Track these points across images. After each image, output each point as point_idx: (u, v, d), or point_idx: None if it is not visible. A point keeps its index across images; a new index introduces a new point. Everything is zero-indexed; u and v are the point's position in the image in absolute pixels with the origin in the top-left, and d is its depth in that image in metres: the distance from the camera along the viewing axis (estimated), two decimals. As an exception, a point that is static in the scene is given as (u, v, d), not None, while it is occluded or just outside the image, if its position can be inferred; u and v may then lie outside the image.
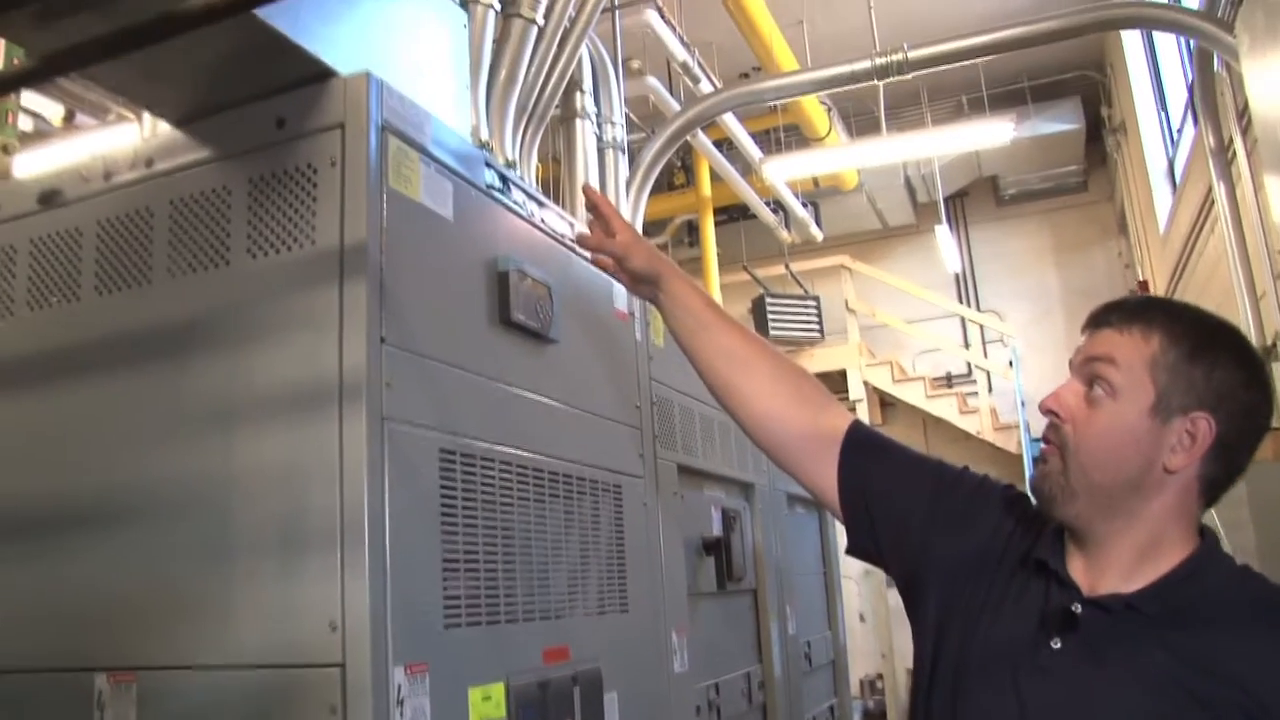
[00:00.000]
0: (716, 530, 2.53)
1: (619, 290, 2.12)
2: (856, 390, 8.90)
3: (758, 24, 6.28)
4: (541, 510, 1.67)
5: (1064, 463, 1.20)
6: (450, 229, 1.56)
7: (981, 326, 9.97)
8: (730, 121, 6.90)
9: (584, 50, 2.83)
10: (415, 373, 1.41)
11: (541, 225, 1.84)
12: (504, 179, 1.75)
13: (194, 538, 1.39)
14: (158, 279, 1.52)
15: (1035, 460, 1.27)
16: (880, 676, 8.32)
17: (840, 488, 1.43)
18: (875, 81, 4.52)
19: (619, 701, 1.79)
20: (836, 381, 8.82)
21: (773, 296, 9.17)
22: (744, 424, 1.54)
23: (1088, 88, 9.22)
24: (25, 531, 1.56)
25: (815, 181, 8.83)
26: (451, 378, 1.50)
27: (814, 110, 7.51)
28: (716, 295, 7.75)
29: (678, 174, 9.14)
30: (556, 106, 2.66)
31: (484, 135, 2.09)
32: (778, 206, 8.66)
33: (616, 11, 4.46)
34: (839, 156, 7.65)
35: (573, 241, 1.92)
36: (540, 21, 2.35)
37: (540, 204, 1.87)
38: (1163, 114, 7.41)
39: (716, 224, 8.64)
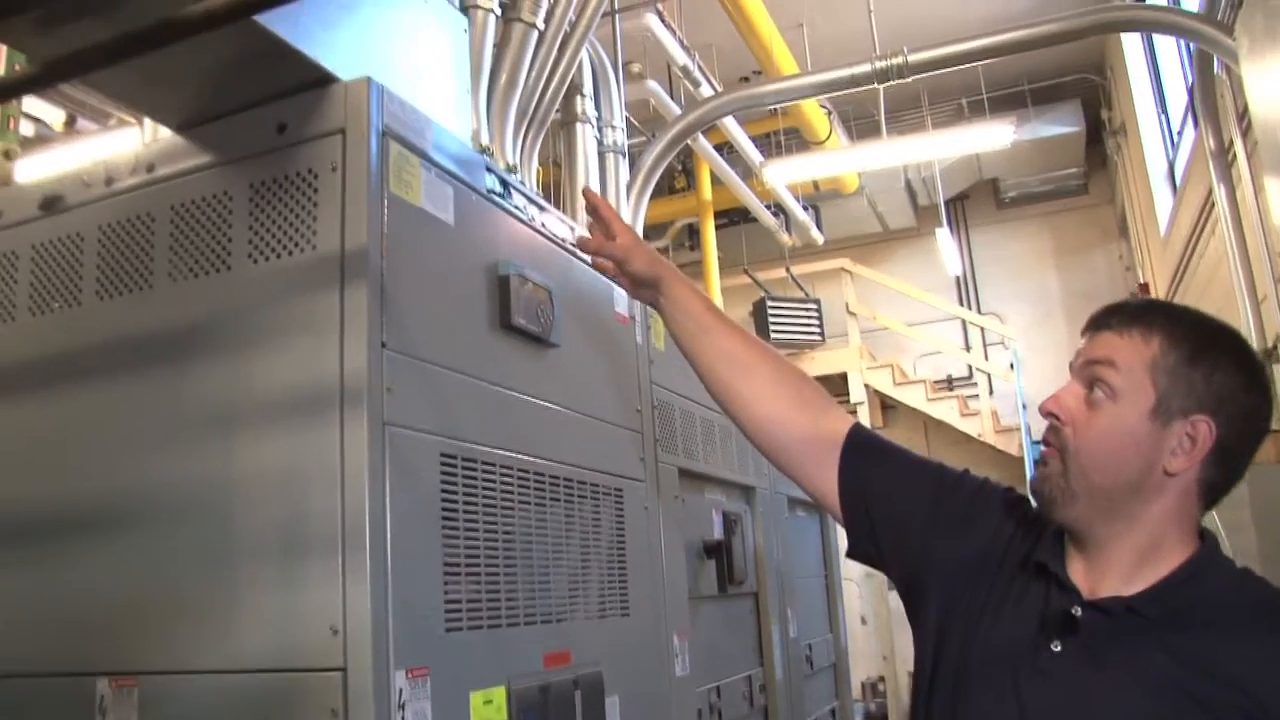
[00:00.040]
0: (717, 533, 2.53)
1: (619, 294, 2.12)
2: (857, 393, 8.90)
3: (758, 27, 6.28)
4: (542, 514, 1.67)
5: (1064, 465, 1.20)
6: (451, 234, 1.56)
7: (982, 329, 9.98)
8: (731, 125, 6.91)
9: (584, 54, 2.84)
10: (416, 377, 1.41)
11: (542, 229, 1.85)
12: (504, 183, 1.75)
13: (195, 542, 1.39)
14: (159, 284, 1.52)
15: (1036, 463, 1.27)
16: (882, 679, 8.32)
17: (841, 491, 1.43)
18: (875, 85, 4.52)
19: (620, 705, 1.80)
20: (837, 384, 8.82)
21: (773, 300, 9.18)
22: (745, 427, 1.54)
23: (1088, 90, 9.22)
24: (27, 536, 1.56)
25: (816, 185, 8.83)
26: (452, 382, 1.50)
27: (814, 114, 7.51)
28: (717, 299, 7.76)
29: (678, 178, 9.15)
30: (557, 111, 2.66)
31: (484, 140, 2.09)
32: (778, 210, 8.67)
33: (617, 15, 4.46)
34: (839, 160, 7.66)
35: (573, 245, 1.92)
36: (540, 26, 2.35)
37: (541, 208, 1.87)
38: (1163, 116, 7.41)
39: (717, 227, 8.65)
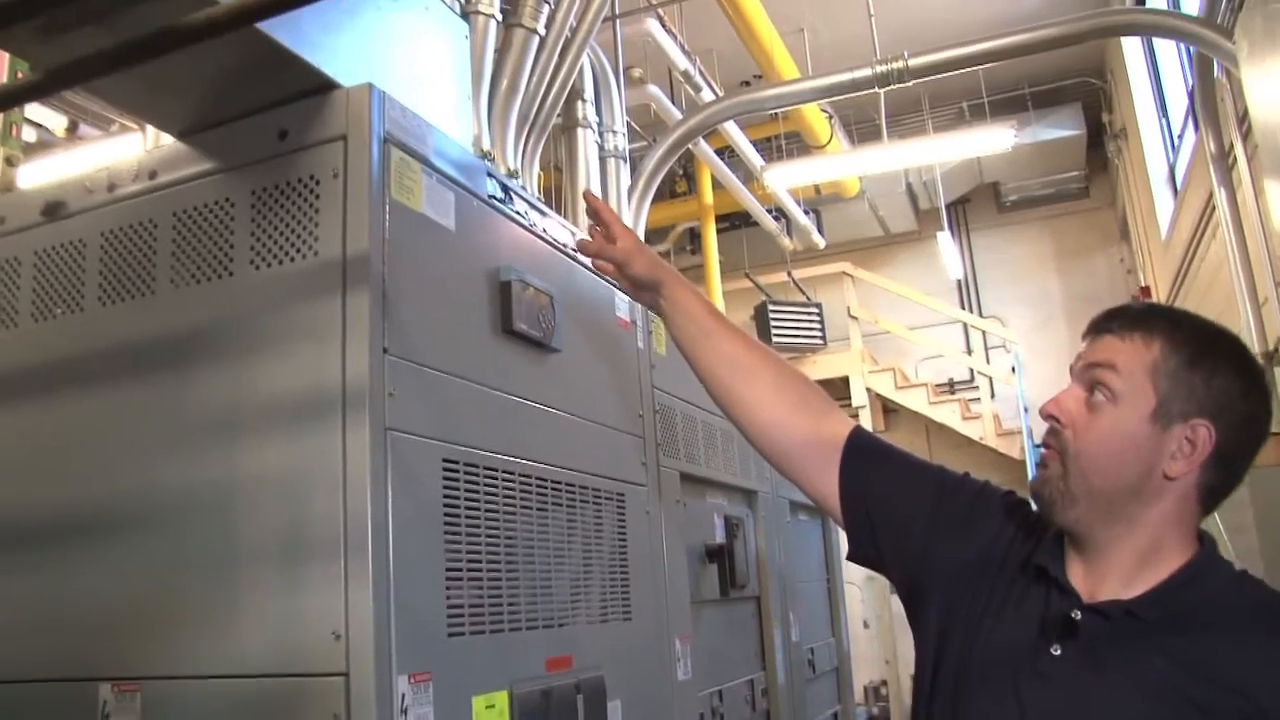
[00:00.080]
0: (719, 538, 2.53)
1: (621, 299, 2.12)
2: (859, 397, 8.90)
3: (758, 32, 6.29)
4: (544, 519, 1.67)
5: (1064, 467, 1.20)
6: (452, 239, 1.56)
7: (984, 332, 9.98)
8: (732, 129, 6.91)
9: (585, 59, 2.84)
10: (418, 382, 1.41)
11: (544, 234, 1.85)
12: (506, 189, 1.76)
13: (198, 547, 1.39)
14: (161, 290, 1.53)
15: (1036, 465, 1.27)
16: (884, 683, 8.31)
17: (841, 494, 1.43)
18: (876, 89, 4.52)
19: (622, 709, 1.80)
20: (839, 388, 8.82)
21: (775, 304, 9.18)
22: (746, 431, 1.54)
23: (1088, 94, 9.22)
24: (29, 541, 1.56)
25: (817, 189, 8.83)
26: (454, 387, 1.51)
27: (815, 118, 7.52)
28: (719, 303, 7.76)
29: (680, 182, 9.15)
30: (558, 115, 2.67)
31: (486, 145, 2.10)
32: (780, 214, 8.67)
33: (617, 20, 4.47)
34: (840, 164, 7.66)
35: (575, 250, 1.93)
36: (541, 31, 2.36)
37: (542, 213, 1.88)
38: (1163, 120, 7.41)
39: (718, 231, 8.66)
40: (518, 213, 1.77)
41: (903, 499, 1.40)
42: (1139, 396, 1.17)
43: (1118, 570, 1.19)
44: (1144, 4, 6.85)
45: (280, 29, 1.35)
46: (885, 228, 10.41)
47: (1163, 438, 1.16)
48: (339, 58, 1.47)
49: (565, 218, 2.06)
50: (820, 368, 8.93)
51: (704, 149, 7.13)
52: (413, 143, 1.49)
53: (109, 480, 1.50)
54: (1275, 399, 1.23)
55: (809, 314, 9.23)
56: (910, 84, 4.48)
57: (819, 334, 9.21)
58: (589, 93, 3.02)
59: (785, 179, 7.58)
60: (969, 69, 4.44)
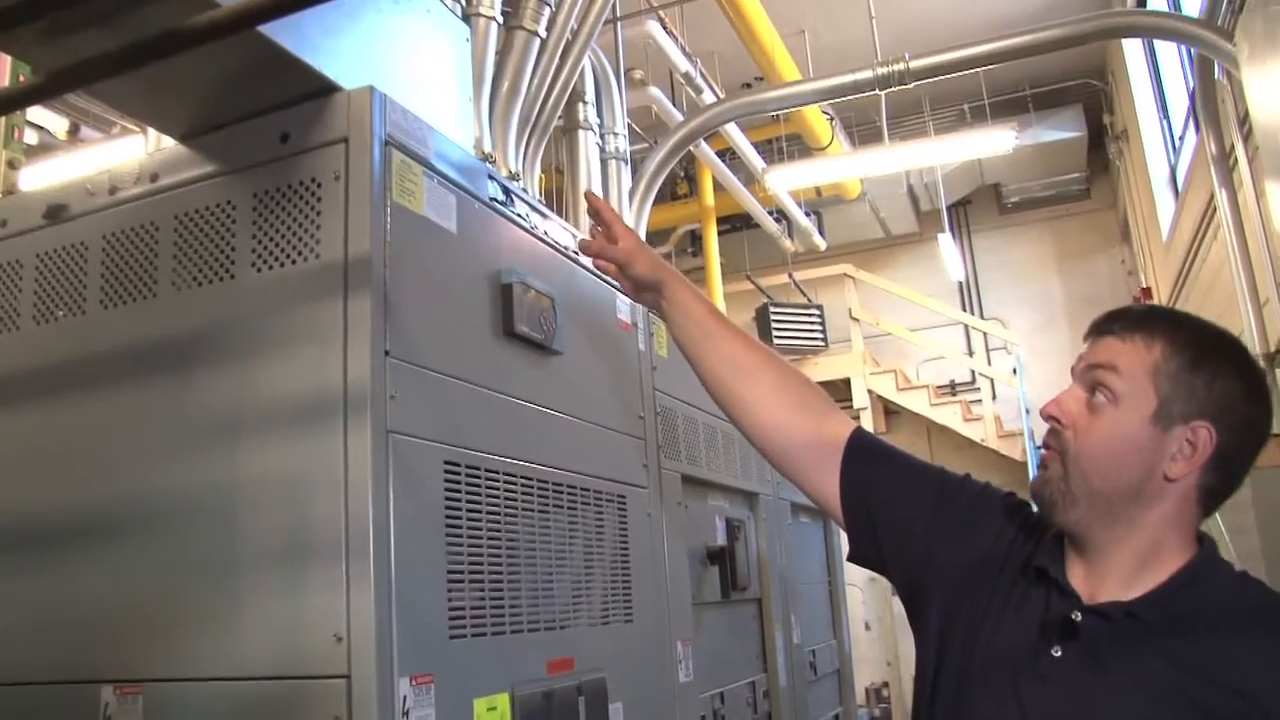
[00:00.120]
0: (721, 540, 2.53)
1: (622, 301, 2.12)
2: (860, 399, 8.91)
3: (759, 34, 6.29)
4: (546, 521, 1.67)
5: (1065, 468, 1.21)
6: (454, 242, 1.56)
7: (985, 334, 9.98)
8: (733, 131, 6.91)
9: (586, 61, 2.84)
10: (419, 385, 1.41)
11: (545, 237, 1.85)
12: (507, 191, 1.76)
13: (199, 550, 1.39)
14: (163, 293, 1.53)
15: (1038, 466, 1.27)
16: (886, 684, 8.30)
17: (842, 495, 1.43)
18: (877, 91, 4.53)
19: (624, 711, 1.80)
20: (841, 390, 8.82)
21: (776, 306, 9.18)
22: (747, 431, 1.54)
23: (1089, 95, 9.23)
24: (31, 544, 1.56)
25: (818, 190, 8.84)
26: (455, 390, 1.51)
27: (816, 120, 7.52)
28: (720, 305, 7.76)
29: (681, 184, 9.16)
30: (559, 118, 2.67)
31: (487, 147, 2.10)
32: (781, 216, 8.67)
33: (618, 22, 4.47)
34: (841, 166, 7.66)
35: (576, 252, 1.93)
36: (542, 33, 2.36)
37: (543, 215, 1.88)
38: (1164, 121, 7.41)
39: (720, 233, 8.66)
40: (519, 215, 1.77)
41: (904, 500, 1.40)
42: (1140, 398, 1.17)
43: (1118, 572, 1.19)
44: (1145, 6, 6.85)
45: (282, 32, 1.35)
46: (886, 229, 10.41)
47: (1163, 439, 1.16)
48: (340, 61, 1.47)
49: (566, 220, 2.07)
50: (821, 369, 8.93)
51: (705, 151, 7.14)
52: (414, 145, 1.49)
53: (111, 483, 1.51)
54: (1276, 401, 1.23)
55: (810, 316, 9.23)
56: (911, 86, 4.48)
57: (820, 336, 9.21)
58: (590, 95, 3.03)
59: (786, 181, 7.58)
60: (970, 71, 4.45)
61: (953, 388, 10.00)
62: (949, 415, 8.88)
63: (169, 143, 1.60)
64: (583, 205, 2.82)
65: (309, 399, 1.36)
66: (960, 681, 1.24)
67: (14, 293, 1.68)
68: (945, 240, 8.81)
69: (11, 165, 2.94)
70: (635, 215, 3.45)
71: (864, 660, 7.86)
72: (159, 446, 1.47)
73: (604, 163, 3.14)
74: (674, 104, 6.72)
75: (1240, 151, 4.20)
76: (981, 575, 1.29)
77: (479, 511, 1.49)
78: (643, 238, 3.35)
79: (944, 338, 9.89)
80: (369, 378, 1.32)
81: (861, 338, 9.27)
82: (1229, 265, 4.44)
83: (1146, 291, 8.24)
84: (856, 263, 9.80)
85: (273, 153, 1.47)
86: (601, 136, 3.12)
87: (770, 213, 8.56)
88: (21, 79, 2.73)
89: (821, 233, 9.09)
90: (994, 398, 9.29)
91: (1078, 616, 1.17)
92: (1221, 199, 4.42)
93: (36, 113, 5.48)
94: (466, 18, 2.07)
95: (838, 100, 4.87)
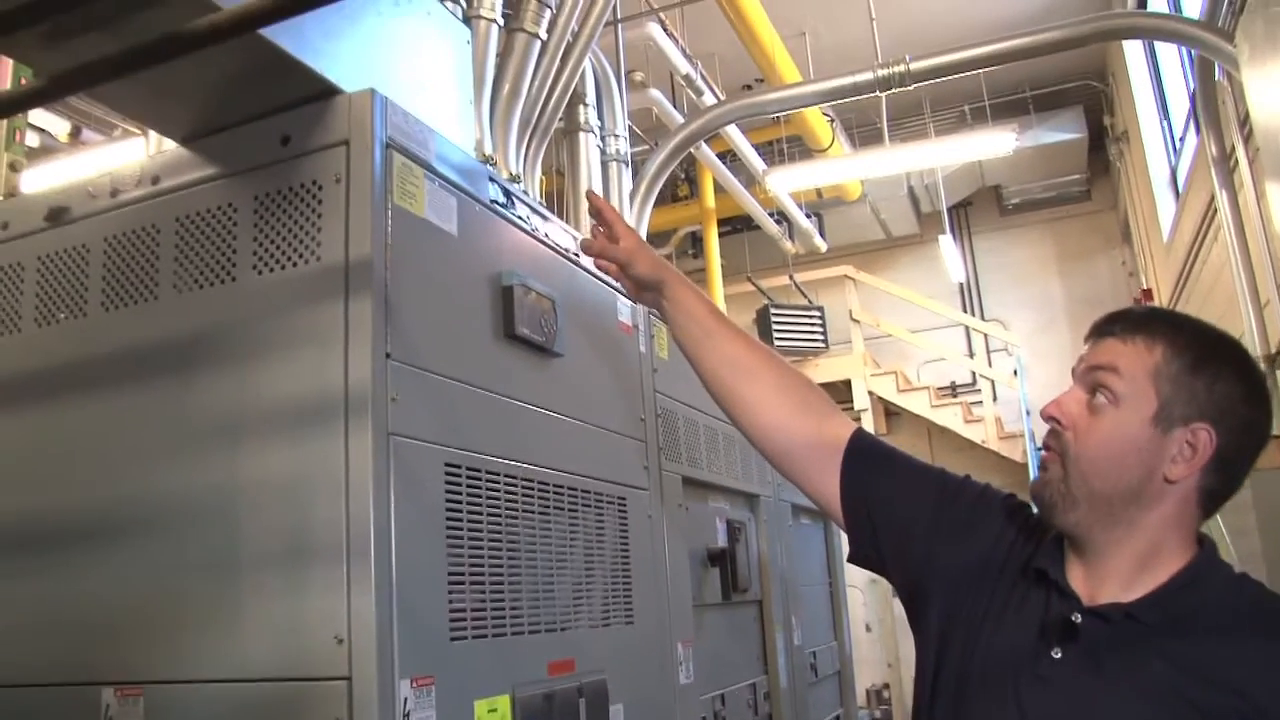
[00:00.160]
0: (721, 541, 2.53)
1: (623, 303, 2.13)
2: (861, 400, 8.90)
3: (760, 36, 6.30)
4: (546, 523, 1.67)
5: (1065, 470, 1.21)
6: (455, 244, 1.56)
7: (986, 336, 9.98)
8: (733, 133, 6.92)
9: (587, 64, 2.85)
10: (420, 387, 1.41)
11: (545, 239, 1.85)
12: (508, 193, 1.76)
13: (201, 552, 1.39)
14: (164, 295, 1.53)
15: (1038, 468, 1.27)
16: (887, 686, 8.29)
17: (843, 496, 1.43)
18: (878, 93, 4.53)
19: (624, 713, 1.80)
20: (841, 391, 8.82)
21: (777, 307, 9.18)
22: (747, 432, 1.54)
23: (1090, 97, 9.23)
24: (33, 546, 1.56)
25: (818, 192, 8.85)
26: (456, 392, 1.51)
27: (817, 121, 7.53)
28: (721, 306, 7.75)
29: (681, 186, 9.17)
30: (560, 120, 2.68)
31: (488, 150, 2.10)
32: (781, 217, 8.68)
33: (619, 25, 4.48)
34: (842, 167, 7.67)
35: (577, 255, 1.93)
36: (543, 36, 2.36)
37: (544, 218, 1.88)
38: (1165, 123, 7.41)
39: (720, 235, 8.66)
40: (520, 217, 1.78)
41: (904, 502, 1.40)
42: (1140, 399, 1.17)
43: (1117, 573, 1.19)
44: (1145, 7, 6.85)
45: (283, 35, 1.36)
46: (887, 231, 10.42)
47: (1163, 441, 1.16)
48: (341, 63, 1.47)
49: (567, 222, 2.07)
50: (822, 371, 8.93)
51: (706, 153, 7.14)
52: (415, 148, 1.50)
53: (112, 485, 1.51)
54: (1276, 403, 1.23)
55: (811, 317, 9.23)
56: (912, 87, 4.49)
57: (821, 337, 9.21)
58: (591, 97, 3.03)
59: (787, 182, 7.58)
60: (970, 72, 4.45)
61: (953, 389, 10.00)
62: (949, 417, 8.88)
63: (170, 145, 1.60)
64: (584, 206, 2.83)
65: (310, 401, 1.36)
66: (960, 683, 1.24)
67: (15, 295, 1.68)
68: (946, 242, 8.81)
69: (13, 168, 2.95)
70: (636, 217, 3.45)
71: (865, 662, 7.85)
72: (160, 448, 1.47)
73: (605, 165, 3.14)
74: (675, 106, 6.72)
75: (1241, 153, 4.20)
76: (981, 577, 1.29)
77: (480, 513, 1.50)
78: (643, 239, 3.35)
79: (945, 339, 9.89)
80: (370, 380, 1.32)
81: (862, 339, 9.27)
82: (1230, 267, 4.44)
83: (1147, 293, 8.24)
84: (857, 264, 9.81)
85: (274, 155, 1.47)
86: (602, 138, 3.13)
87: (771, 214, 8.56)
88: (23, 82, 2.74)
89: (822, 234, 9.10)
90: (994, 399, 9.29)
91: (1077, 618, 1.17)
92: (1222, 200, 4.42)
93: (38, 115, 5.50)
94: (467, 20, 2.08)
95: (838, 102, 4.87)
